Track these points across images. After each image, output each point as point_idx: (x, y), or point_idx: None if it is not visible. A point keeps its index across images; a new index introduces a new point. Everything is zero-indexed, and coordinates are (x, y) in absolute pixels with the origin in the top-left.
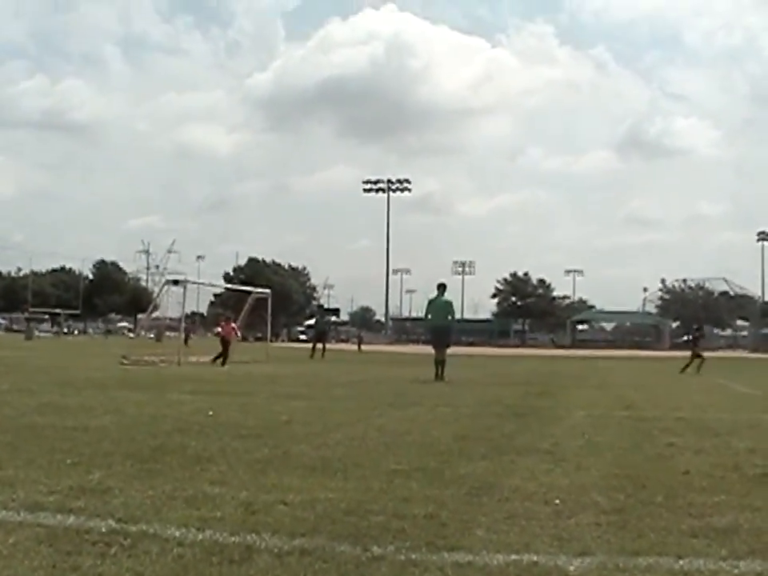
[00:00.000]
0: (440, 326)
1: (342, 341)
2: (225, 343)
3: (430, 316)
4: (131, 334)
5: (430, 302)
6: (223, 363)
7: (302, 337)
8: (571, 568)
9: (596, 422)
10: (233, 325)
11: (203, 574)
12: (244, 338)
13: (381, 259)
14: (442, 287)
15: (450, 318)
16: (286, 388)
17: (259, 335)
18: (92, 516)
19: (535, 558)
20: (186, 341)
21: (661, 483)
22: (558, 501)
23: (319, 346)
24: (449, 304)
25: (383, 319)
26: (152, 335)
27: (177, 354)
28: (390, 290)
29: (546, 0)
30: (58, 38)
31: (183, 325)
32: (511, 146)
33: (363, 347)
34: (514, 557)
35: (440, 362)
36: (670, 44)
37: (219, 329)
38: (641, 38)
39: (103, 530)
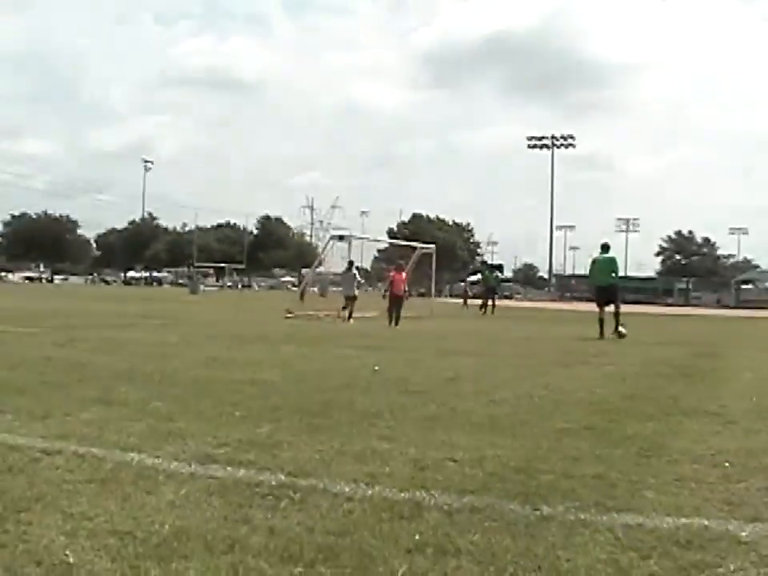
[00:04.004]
0: (603, 285)
1: (506, 297)
2: (394, 298)
3: (593, 274)
4: (294, 289)
5: (594, 261)
6: (395, 322)
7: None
8: (743, 534)
9: (763, 384)
10: (403, 274)
11: (373, 530)
12: (408, 294)
13: (545, 216)
14: (604, 247)
15: (613, 275)
16: (451, 344)
17: (423, 291)
18: (262, 469)
19: (706, 523)
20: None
21: None
22: (727, 464)
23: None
24: (612, 262)
25: (547, 276)
26: (316, 290)
27: (342, 309)
28: (553, 247)
29: None
30: None
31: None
32: (678, 103)
33: (523, 303)
34: (684, 520)
35: (604, 320)
36: None
37: (389, 278)
38: None
39: (273, 483)
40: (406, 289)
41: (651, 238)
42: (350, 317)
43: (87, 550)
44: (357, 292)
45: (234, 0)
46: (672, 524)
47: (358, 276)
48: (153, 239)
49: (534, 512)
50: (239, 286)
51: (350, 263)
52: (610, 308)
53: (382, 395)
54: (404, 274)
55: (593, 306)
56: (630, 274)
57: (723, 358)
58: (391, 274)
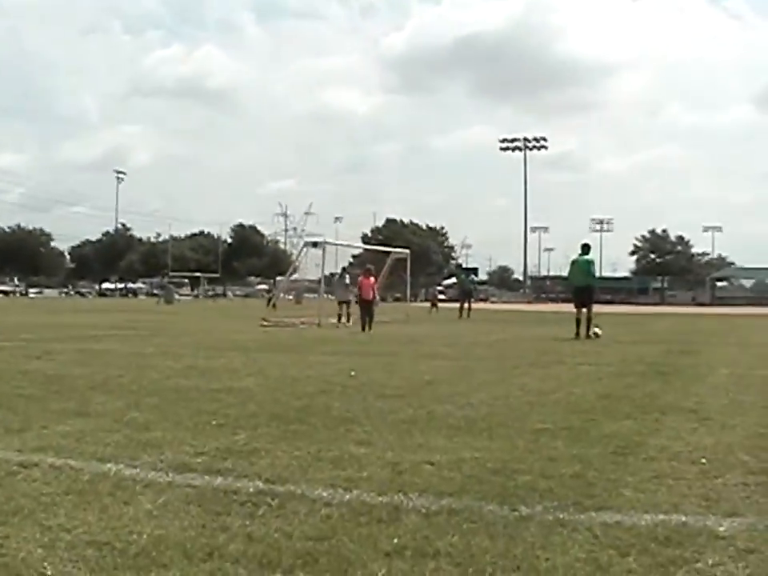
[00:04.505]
0: (581, 286)
1: (482, 300)
2: (364, 303)
3: (572, 275)
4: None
5: (573, 262)
6: (362, 327)
7: (441, 297)
8: (721, 529)
9: (739, 381)
10: (371, 279)
11: (351, 534)
12: (383, 299)
13: (518, 218)
14: (585, 247)
15: (591, 277)
16: (428, 348)
17: (398, 295)
18: (239, 477)
19: (684, 519)
20: (269, 303)
21: None
22: (704, 460)
23: (465, 305)
24: (590, 263)
25: (521, 278)
26: (291, 297)
27: (317, 315)
28: (527, 249)
29: None
30: (193, 6)
31: (322, 287)
32: (649, 102)
33: (498, 306)
34: (662, 517)
35: (581, 321)
36: None
37: (357, 284)
38: None
39: (251, 490)
40: (376, 294)
41: (625, 237)
42: (348, 319)
43: (65, 562)
44: (350, 297)
45: (203, 8)
46: (650, 521)
47: (348, 282)
48: (127, 250)
49: (513, 513)
50: (214, 295)
51: (343, 269)
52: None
53: (358, 400)
54: (372, 279)
55: (568, 307)
56: (605, 273)
57: (699, 355)
58: (360, 279)
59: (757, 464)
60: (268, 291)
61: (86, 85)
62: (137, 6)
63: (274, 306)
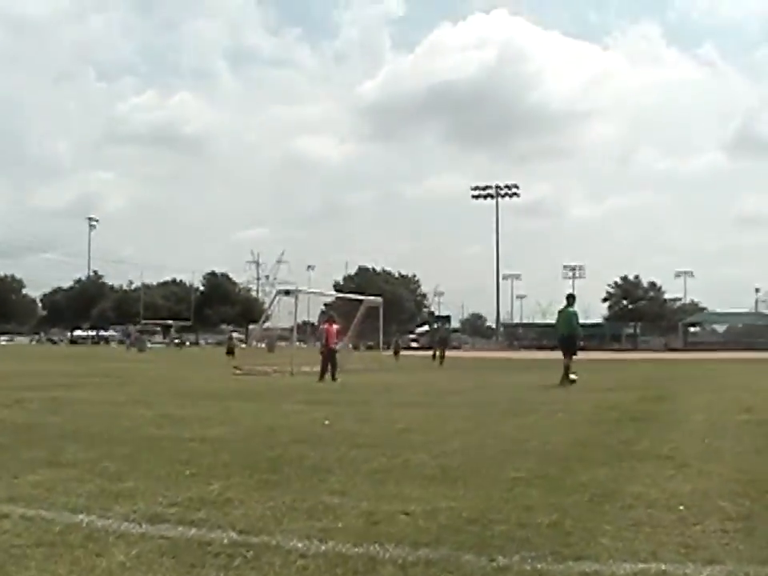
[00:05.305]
0: (563, 336)
1: (455, 347)
2: (327, 353)
3: (556, 326)
4: (243, 345)
5: (559, 312)
6: (332, 377)
7: (414, 345)
8: None
9: (715, 426)
10: (335, 327)
11: None
12: (355, 347)
13: (491, 265)
14: (569, 298)
15: (572, 327)
16: (401, 396)
17: (371, 344)
18: (213, 528)
19: (663, 567)
20: (228, 351)
21: None
22: (682, 507)
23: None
24: (571, 315)
25: (494, 325)
26: (263, 345)
27: (289, 364)
28: (500, 296)
29: (652, 0)
30: (168, 53)
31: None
32: (621, 149)
33: (471, 353)
34: (641, 565)
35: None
36: None
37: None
38: (748, 36)
39: (225, 541)
40: (339, 341)
41: (598, 283)
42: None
43: None
44: (337, 347)
45: (178, 55)
46: (629, 569)
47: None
48: (99, 297)
49: (490, 563)
50: (186, 343)
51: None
52: (577, 356)
53: (332, 449)
54: (335, 326)
55: (541, 354)
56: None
57: (673, 401)
58: (324, 326)
59: (735, 510)
60: (230, 339)
61: (58, 131)
62: (111, 52)
63: (231, 353)
